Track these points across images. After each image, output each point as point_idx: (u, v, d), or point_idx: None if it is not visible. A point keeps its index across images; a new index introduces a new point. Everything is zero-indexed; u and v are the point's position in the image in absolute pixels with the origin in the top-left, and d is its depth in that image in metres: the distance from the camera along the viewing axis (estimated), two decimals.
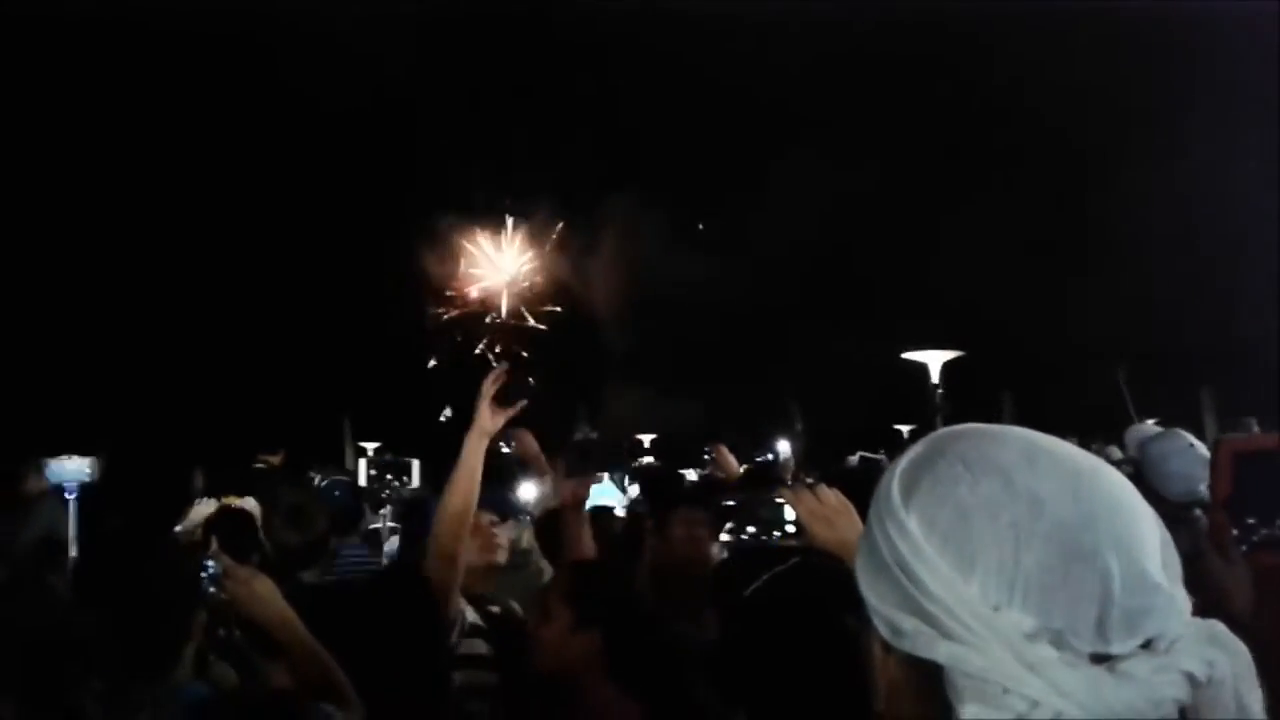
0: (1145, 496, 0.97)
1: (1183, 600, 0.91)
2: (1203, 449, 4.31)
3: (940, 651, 0.89)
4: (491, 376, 3.22)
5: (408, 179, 24.77)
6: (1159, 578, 0.90)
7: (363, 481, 4.62)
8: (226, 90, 20.46)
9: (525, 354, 26.23)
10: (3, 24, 16.52)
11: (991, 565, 0.90)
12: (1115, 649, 0.88)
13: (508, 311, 27.53)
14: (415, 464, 4.73)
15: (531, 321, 27.40)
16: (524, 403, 3.23)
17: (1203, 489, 4.15)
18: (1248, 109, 15.35)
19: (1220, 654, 0.90)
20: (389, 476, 4.60)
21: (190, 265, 21.36)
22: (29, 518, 6.65)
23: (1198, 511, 4.14)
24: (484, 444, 3.17)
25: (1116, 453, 4.46)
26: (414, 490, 4.80)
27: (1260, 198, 14.45)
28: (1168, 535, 0.95)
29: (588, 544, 3.60)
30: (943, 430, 1.04)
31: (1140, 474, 4.18)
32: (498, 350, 26.87)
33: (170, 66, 20.37)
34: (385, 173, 24.06)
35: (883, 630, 0.94)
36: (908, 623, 0.91)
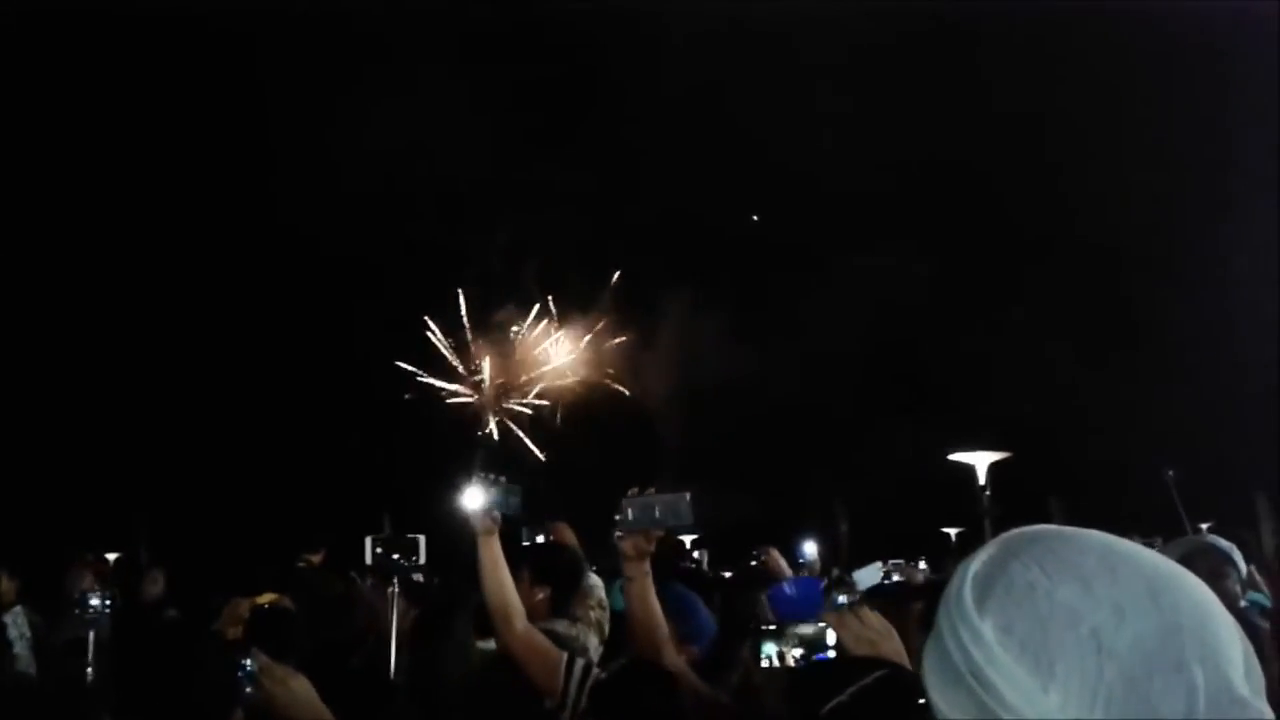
0: None
1: (1267, 714, 0.87)
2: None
3: None
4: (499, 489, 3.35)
5: (455, 274, 25.16)
6: (1243, 690, 0.86)
7: (369, 560, 4.57)
8: (278, 202, 20.90)
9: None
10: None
11: (1073, 675, 0.86)
12: None
13: (555, 410, 27.56)
14: (422, 540, 4.68)
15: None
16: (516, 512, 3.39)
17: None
18: None
19: None
20: (395, 555, 4.55)
21: (235, 368, 21.74)
22: (68, 615, 6.66)
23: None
24: (493, 539, 3.28)
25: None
26: (422, 566, 4.75)
27: None
28: (1249, 646, 0.91)
29: (659, 621, 3.02)
30: (1014, 532, 1.00)
31: None
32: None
33: (226, 157, 20.98)
34: (433, 270, 24.47)
35: None
36: None
